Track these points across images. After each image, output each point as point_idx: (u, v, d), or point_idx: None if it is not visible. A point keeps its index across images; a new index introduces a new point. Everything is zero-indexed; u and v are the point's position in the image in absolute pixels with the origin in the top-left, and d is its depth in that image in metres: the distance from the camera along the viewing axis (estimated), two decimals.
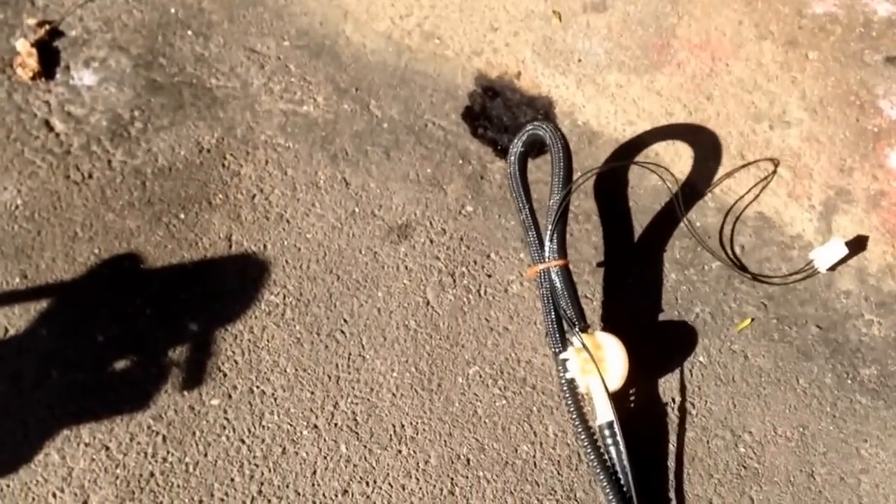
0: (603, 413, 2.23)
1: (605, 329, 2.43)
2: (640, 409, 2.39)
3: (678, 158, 2.78)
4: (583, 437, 2.22)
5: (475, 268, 2.51)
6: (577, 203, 2.65)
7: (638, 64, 2.93)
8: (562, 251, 2.35)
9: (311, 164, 2.56)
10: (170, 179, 2.46)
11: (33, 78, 2.51)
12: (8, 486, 2.09)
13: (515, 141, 2.46)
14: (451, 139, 2.69)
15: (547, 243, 2.35)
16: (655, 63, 2.95)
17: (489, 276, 2.51)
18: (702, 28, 3.02)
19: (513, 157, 2.46)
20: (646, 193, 2.71)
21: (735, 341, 2.52)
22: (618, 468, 2.21)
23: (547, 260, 2.34)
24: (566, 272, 2.34)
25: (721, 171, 2.79)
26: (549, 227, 2.34)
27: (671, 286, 2.58)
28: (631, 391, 2.41)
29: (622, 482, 2.19)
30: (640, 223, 2.67)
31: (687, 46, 2.99)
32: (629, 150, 2.79)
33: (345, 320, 2.39)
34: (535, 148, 2.65)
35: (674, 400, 2.42)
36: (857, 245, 2.70)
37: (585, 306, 2.42)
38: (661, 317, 2.54)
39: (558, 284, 2.32)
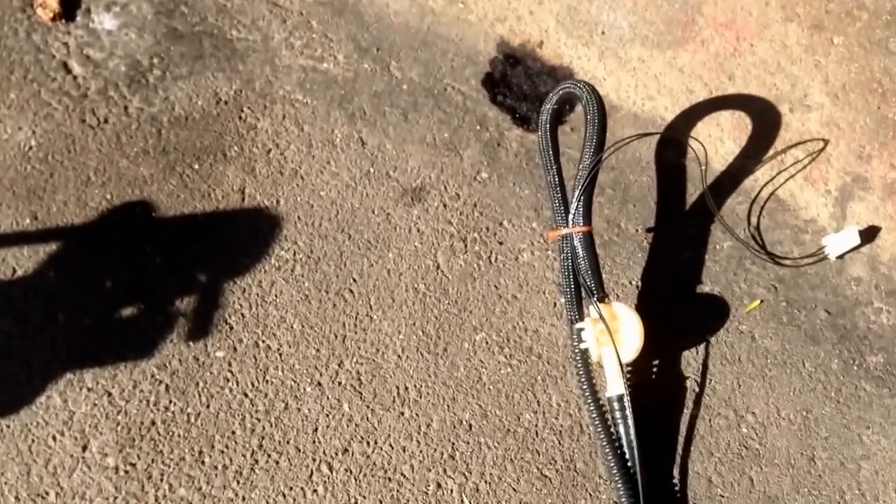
0: (614, 385, 2.22)
1: (615, 300, 2.41)
2: (647, 384, 2.39)
3: (694, 135, 2.75)
4: (592, 408, 2.23)
5: (487, 234, 2.50)
6: None
7: (661, 39, 2.91)
8: (587, 217, 2.33)
9: (328, 122, 2.55)
10: (185, 129, 2.44)
11: (53, 19, 2.49)
12: (8, 426, 2.09)
13: (550, 96, 2.44)
14: (469, 105, 2.68)
15: (573, 207, 2.32)
16: (679, 39, 2.93)
17: (501, 243, 2.50)
18: (728, 6, 2.99)
19: (545, 115, 2.44)
20: (662, 169, 2.69)
21: (743, 322, 2.52)
22: (623, 441, 2.20)
23: (571, 225, 2.32)
24: (589, 239, 2.32)
25: (739, 151, 2.77)
26: (577, 190, 2.31)
27: (683, 263, 2.56)
28: (644, 364, 2.39)
29: (627, 456, 2.18)
30: (655, 198, 2.65)
31: (712, 24, 2.96)
32: (648, 125, 2.77)
33: (354, 280, 2.38)
34: (561, 113, 2.64)
35: (681, 377, 2.41)
36: (871, 233, 2.69)
37: None
38: (676, 293, 2.53)
39: (580, 251, 2.30)
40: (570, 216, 2.31)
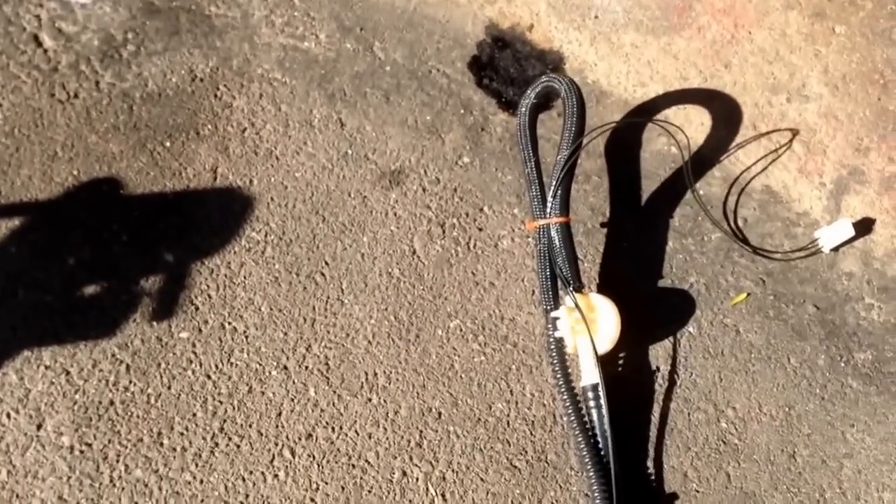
0: (589, 375, 2.18)
1: (597, 290, 2.35)
2: (624, 375, 2.33)
3: (688, 124, 2.70)
4: (566, 397, 2.18)
5: (466, 220, 2.44)
6: (579, 162, 2.57)
7: (656, 25, 2.85)
8: (564, 208, 2.29)
9: (306, 102, 2.50)
10: (158, 106, 2.40)
11: None
12: None
13: (529, 91, 2.41)
14: (454, 88, 2.62)
15: (550, 198, 2.29)
16: (675, 25, 2.86)
17: (480, 229, 2.44)
18: None
19: (524, 108, 2.41)
20: (651, 158, 2.64)
21: (728, 315, 2.45)
22: (597, 432, 2.15)
23: (548, 216, 2.28)
24: (566, 230, 2.29)
25: (732, 141, 2.70)
26: (555, 181, 2.27)
27: (668, 254, 2.51)
28: (620, 355, 2.33)
29: (600, 446, 2.13)
30: (642, 187, 2.59)
31: (710, 11, 2.90)
32: (638, 113, 2.71)
33: (326, 263, 2.33)
34: (545, 101, 2.58)
35: (658, 369, 2.34)
36: (865, 227, 2.62)
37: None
38: (657, 284, 2.46)
39: (557, 241, 2.27)
40: (548, 207, 2.26)
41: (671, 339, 2.40)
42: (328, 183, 2.42)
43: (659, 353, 2.38)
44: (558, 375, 2.21)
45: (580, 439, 2.14)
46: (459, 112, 2.59)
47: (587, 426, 2.17)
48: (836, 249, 2.58)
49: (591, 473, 2.12)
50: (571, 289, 2.21)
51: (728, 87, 2.80)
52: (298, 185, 2.40)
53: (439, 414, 2.22)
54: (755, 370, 2.39)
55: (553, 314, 2.24)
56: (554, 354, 2.23)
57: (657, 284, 2.47)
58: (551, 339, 2.23)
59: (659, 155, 2.63)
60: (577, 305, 2.16)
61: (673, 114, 2.73)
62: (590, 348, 2.15)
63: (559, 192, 2.27)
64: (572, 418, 2.17)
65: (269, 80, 2.51)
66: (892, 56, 2.90)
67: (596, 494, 2.11)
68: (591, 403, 2.18)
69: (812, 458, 2.33)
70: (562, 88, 2.30)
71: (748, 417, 2.34)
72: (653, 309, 2.43)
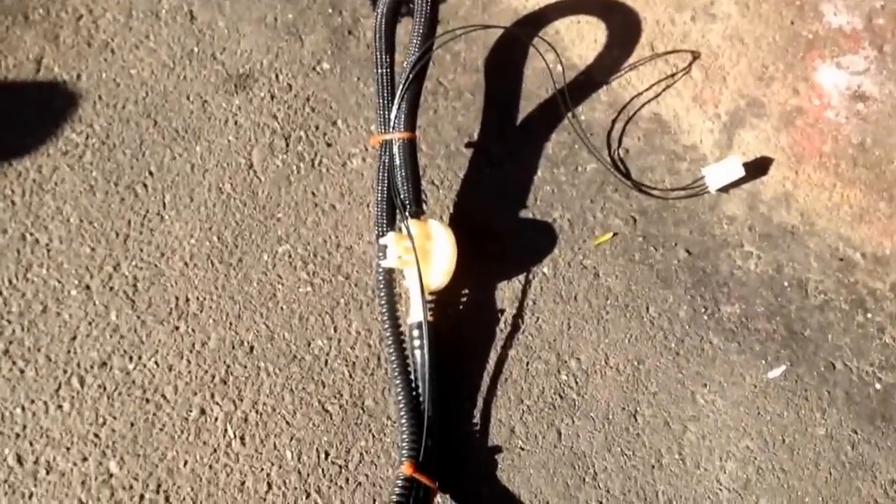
0: (415, 311, 2.03)
1: (449, 219, 2.18)
2: (465, 315, 2.17)
3: (579, 40, 2.49)
4: (388, 334, 2.03)
5: (315, 134, 2.26)
6: (452, 77, 2.39)
7: None
8: (409, 122, 2.11)
9: None
10: None
11: None
12: None
13: None
14: None
15: (394, 111, 2.10)
16: None
17: (329, 145, 2.26)
18: None
19: (382, 7, 2.20)
20: (534, 75, 2.44)
21: (589, 256, 2.28)
22: (418, 376, 1.99)
23: (392, 130, 2.09)
24: (410, 147, 2.11)
25: (625, 62, 2.49)
26: (399, 91, 2.10)
27: (535, 184, 2.32)
28: (463, 293, 2.16)
29: (420, 390, 1.98)
30: (519, 108, 2.39)
31: None
32: (528, 23, 2.49)
33: (151, 173, 2.17)
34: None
35: (503, 311, 2.18)
36: (758, 167, 2.42)
37: (432, 194, 2.20)
38: (518, 217, 2.29)
39: (398, 160, 2.09)
40: (391, 120, 2.08)
41: (523, 278, 2.22)
42: (166, 83, 2.24)
43: (506, 294, 2.20)
44: (382, 309, 2.06)
45: (397, 382, 2.00)
46: (327, 12, 2.39)
47: (408, 368, 2.02)
48: (723, 190, 2.38)
49: (404, 421, 1.97)
50: (407, 213, 2.05)
51: (628, 0, 2.57)
52: (132, 84, 2.22)
53: (251, 348, 2.07)
54: (608, 318, 2.22)
55: (382, 241, 2.07)
56: (381, 286, 2.08)
57: (517, 217, 2.29)
58: (379, 269, 2.08)
59: (543, 73, 2.43)
60: (408, 232, 2.01)
61: (566, 27, 2.52)
62: (416, 281, 2.00)
63: (403, 103, 2.10)
64: (392, 358, 2.02)
65: None
66: None
67: (404, 445, 1.96)
68: (416, 343, 2.03)
69: (654, 418, 2.17)
70: None
71: (592, 370, 2.18)
72: (508, 245, 2.26)
